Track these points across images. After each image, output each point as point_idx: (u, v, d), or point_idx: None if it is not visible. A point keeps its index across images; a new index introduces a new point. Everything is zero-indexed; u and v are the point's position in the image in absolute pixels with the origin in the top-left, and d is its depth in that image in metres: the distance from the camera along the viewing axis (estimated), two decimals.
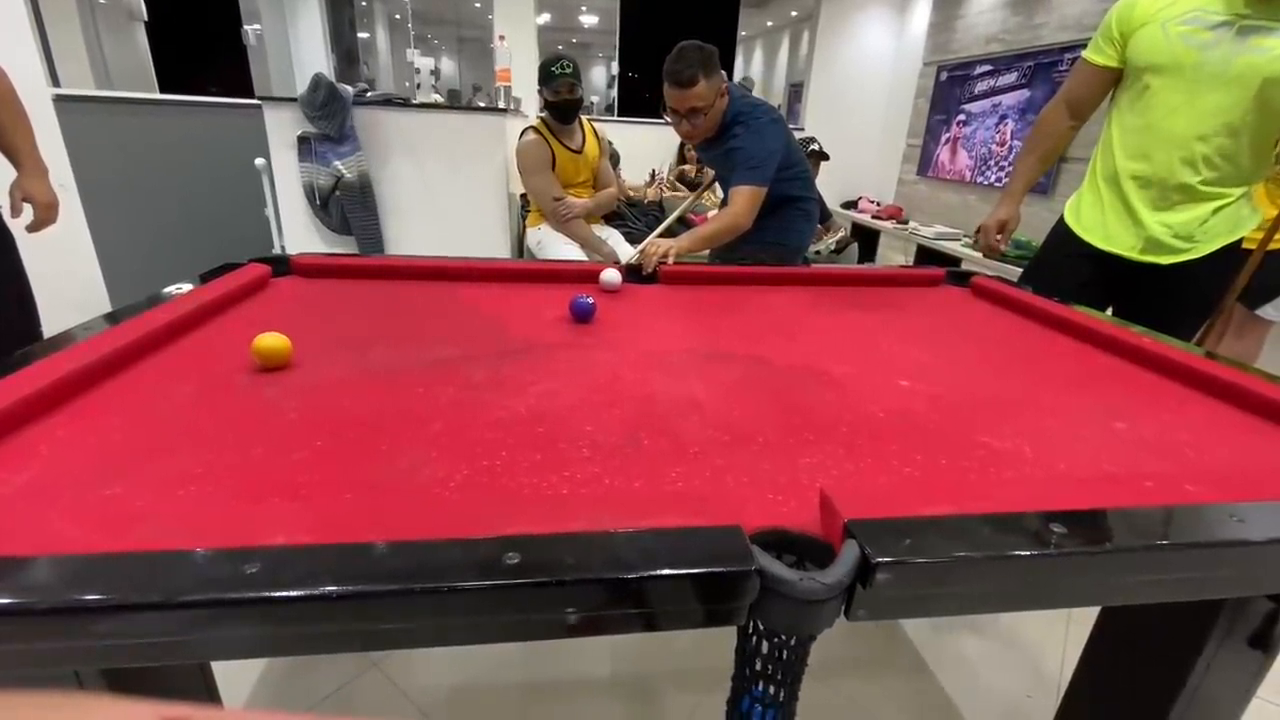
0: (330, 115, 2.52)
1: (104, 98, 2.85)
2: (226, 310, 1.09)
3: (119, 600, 0.40)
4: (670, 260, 1.49)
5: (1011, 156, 3.95)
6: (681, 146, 4.79)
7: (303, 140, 2.61)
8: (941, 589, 0.51)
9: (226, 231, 3.11)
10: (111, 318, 0.93)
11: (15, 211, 1.47)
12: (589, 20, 6.02)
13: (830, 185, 3.56)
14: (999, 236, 1.66)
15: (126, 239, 2.84)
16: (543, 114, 2.54)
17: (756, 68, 6.42)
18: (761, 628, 0.52)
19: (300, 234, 2.80)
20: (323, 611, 0.42)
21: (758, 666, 0.54)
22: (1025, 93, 3.83)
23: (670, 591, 0.45)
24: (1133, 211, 1.48)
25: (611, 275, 1.33)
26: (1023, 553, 0.50)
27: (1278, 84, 1.29)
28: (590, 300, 1.12)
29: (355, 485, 0.59)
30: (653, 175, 4.43)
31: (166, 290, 1.07)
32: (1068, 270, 1.59)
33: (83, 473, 0.59)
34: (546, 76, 2.39)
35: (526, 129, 2.50)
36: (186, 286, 1.10)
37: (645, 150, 4.70)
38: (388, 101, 2.72)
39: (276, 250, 2.85)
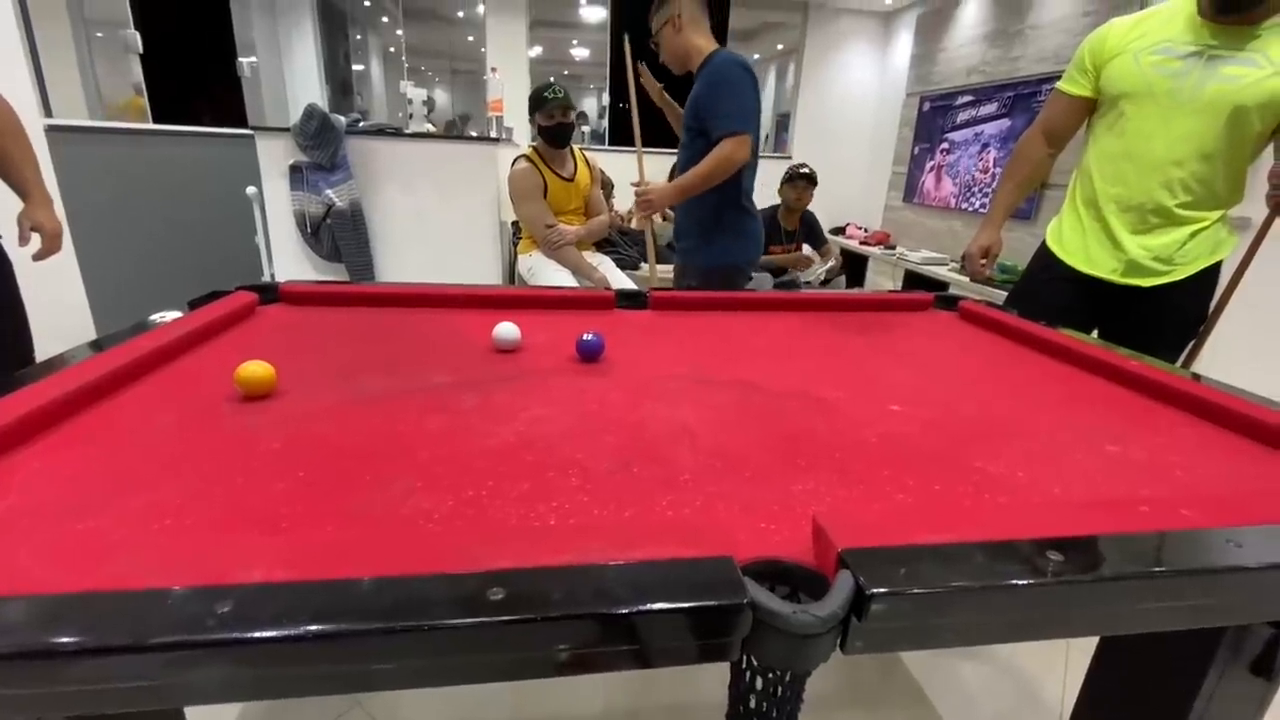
0: (323, 144, 2.53)
1: (96, 128, 2.86)
2: (212, 338, 1.07)
3: (84, 644, 0.38)
4: (656, 209, 1.82)
5: (994, 183, 4.02)
6: (671, 175, 4.85)
7: (294, 169, 2.62)
8: (939, 620, 0.50)
9: (216, 259, 3.10)
10: (96, 345, 0.91)
11: (24, 240, 1.51)
12: (580, 53, 6.14)
13: (818, 212, 3.61)
14: (983, 262, 1.68)
15: (115, 267, 2.82)
16: (535, 142, 2.57)
17: None
18: (755, 663, 0.50)
19: (290, 261, 2.79)
20: (298, 652, 0.40)
21: (752, 704, 0.53)
22: (1006, 122, 3.92)
23: (661, 626, 0.44)
24: (1112, 235, 1.50)
25: (507, 331, 1.09)
26: (1022, 581, 0.49)
27: (1247, 111, 1.32)
28: (595, 339, 1.06)
29: (337, 517, 0.57)
30: None
31: (152, 318, 1.06)
32: (1052, 293, 1.61)
33: (55, 506, 0.57)
34: (539, 102, 2.44)
35: (518, 157, 2.53)
36: (173, 314, 1.09)
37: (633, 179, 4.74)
38: (380, 131, 2.75)
39: (266, 278, 2.84)
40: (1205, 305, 1.50)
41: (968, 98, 4.27)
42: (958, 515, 0.61)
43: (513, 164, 2.53)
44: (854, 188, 5.56)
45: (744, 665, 0.51)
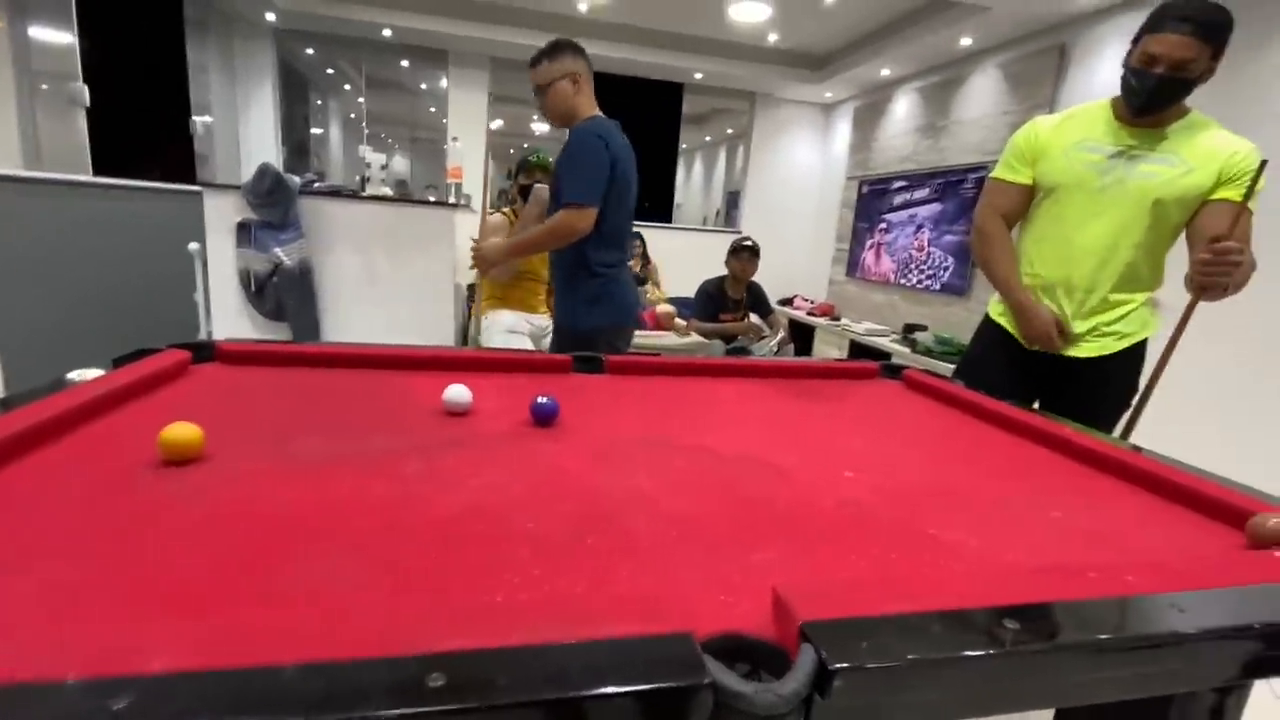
0: (274, 204, 2.50)
1: (26, 177, 2.75)
2: (137, 398, 1.00)
3: None
4: (487, 264, 2.00)
5: (930, 260, 4.29)
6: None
7: (242, 226, 2.57)
8: (905, 695, 0.48)
9: (152, 316, 2.95)
10: (4, 404, 0.84)
11: None
12: (541, 128, 6.38)
13: (766, 284, 3.78)
14: (1062, 331, 1.57)
15: (35, 322, 2.65)
16: (512, 205, 2.67)
17: (697, 177, 6.91)
18: None
19: (230, 320, 2.69)
20: None
21: None
22: (937, 205, 4.23)
23: (616, 711, 0.40)
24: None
25: (458, 393, 1.06)
26: (985, 651, 0.48)
27: (1165, 204, 1.46)
28: (549, 402, 1.04)
29: (261, 595, 0.52)
30: None
31: (70, 375, 0.98)
32: (996, 365, 1.68)
33: None
34: (522, 165, 2.60)
35: (495, 212, 2.62)
36: (94, 372, 1.02)
37: None
38: (335, 192, 2.74)
39: (203, 336, 2.72)
40: (1136, 378, 1.60)
41: (902, 183, 4.60)
42: (916, 584, 0.60)
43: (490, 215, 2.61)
44: (800, 262, 5.83)
45: None
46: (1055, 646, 0.50)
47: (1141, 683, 0.58)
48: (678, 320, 3.74)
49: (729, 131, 6.31)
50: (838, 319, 4.96)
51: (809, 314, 5.22)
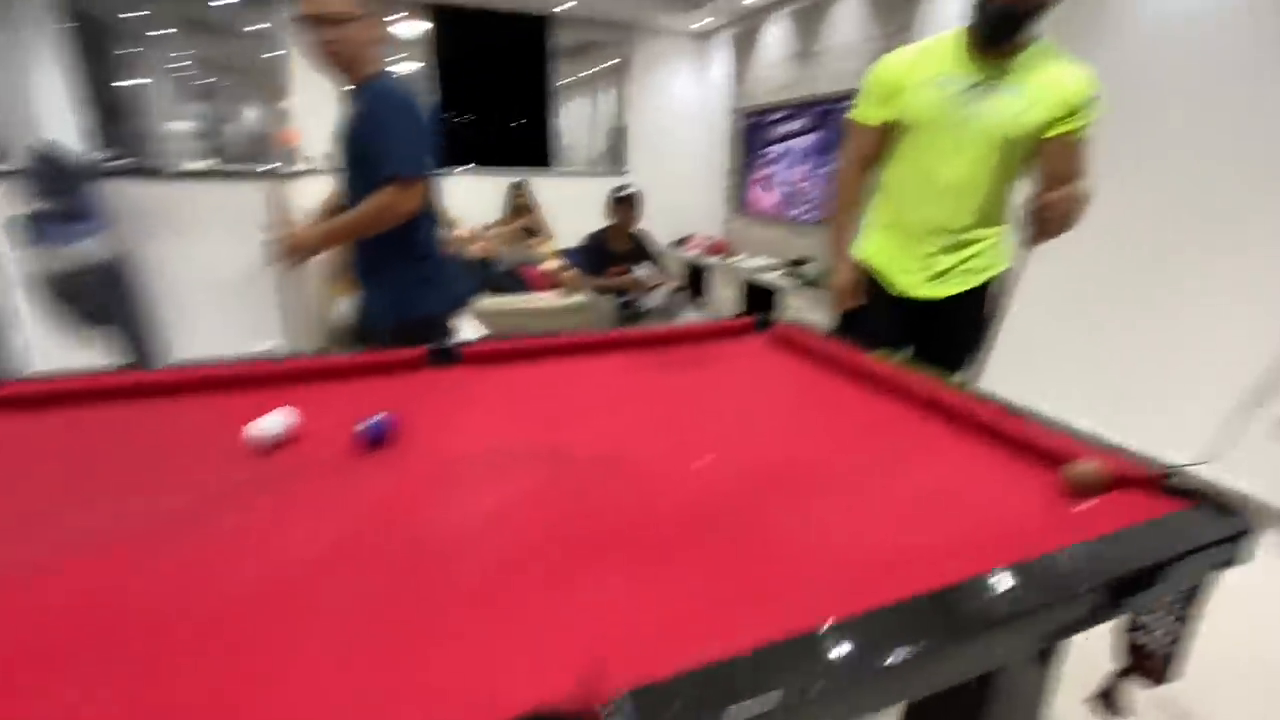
0: (61, 190, 2.12)
1: None
2: None
3: None
4: (302, 256, 1.57)
5: (812, 194, 4.35)
6: (512, 194, 4.73)
7: (29, 220, 2.17)
8: None
9: None
10: None
11: None
12: (403, 68, 5.82)
13: (660, 225, 3.69)
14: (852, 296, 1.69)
15: None
16: None
17: (582, 115, 6.60)
18: None
19: (50, 335, 2.31)
20: None
21: None
22: (814, 136, 4.26)
23: None
24: (913, 253, 1.62)
25: (264, 428, 0.92)
26: (800, 687, 0.46)
27: (1012, 139, 1.47)
28: (377, 424, 0.92)
29: None
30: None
31: None
32: (870, 309, 1.70)
33: None
34: None
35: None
36: None
37: (465, 201, 4.52)
38: (139, 170, 2.36)
39: (15, 360, 2.33)
40: (993, 311, 1.66)
41: (780, 114, 4.58)
42: (749, 601, 0.58)
43: None
44: (691, 200, 5.76)
45: None
46: (873, 668, 0.49)
47: (962, 670, 0.59)
48: (567, 275, 3.61)
49: (609, 63, 6.01)
50: (731, 256, 4.99)
51: (703, 253, 5.22)
